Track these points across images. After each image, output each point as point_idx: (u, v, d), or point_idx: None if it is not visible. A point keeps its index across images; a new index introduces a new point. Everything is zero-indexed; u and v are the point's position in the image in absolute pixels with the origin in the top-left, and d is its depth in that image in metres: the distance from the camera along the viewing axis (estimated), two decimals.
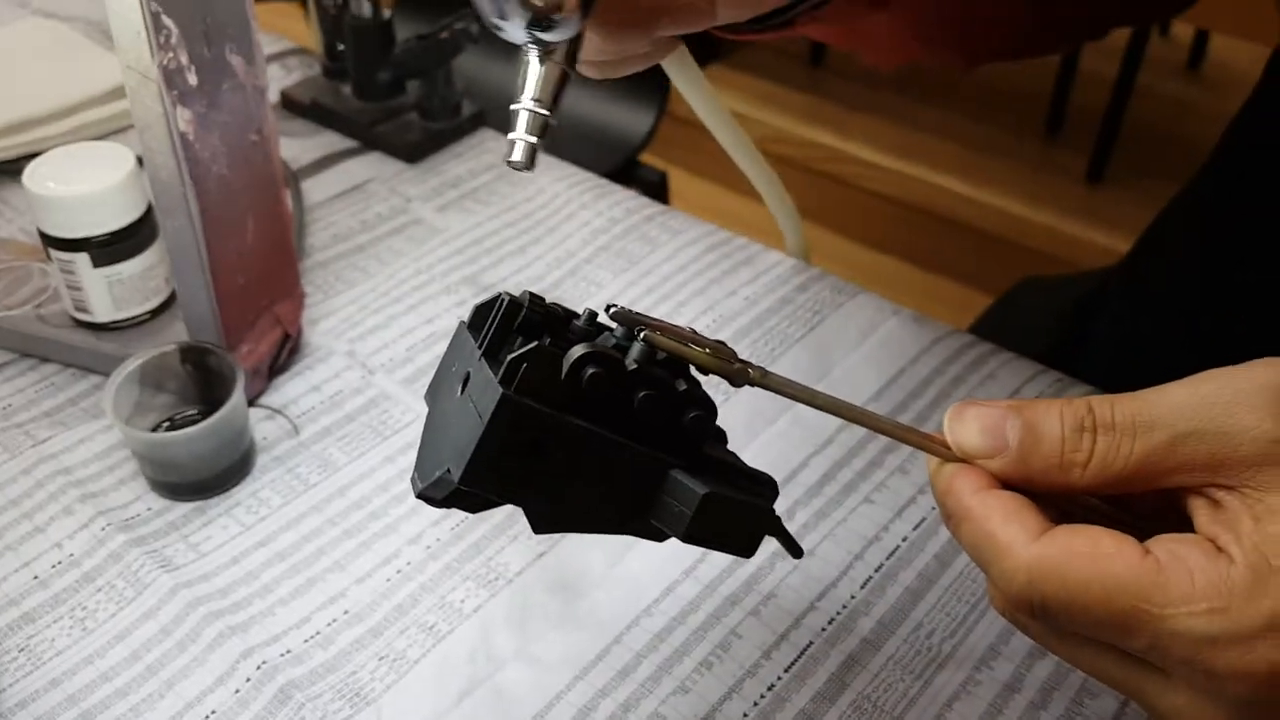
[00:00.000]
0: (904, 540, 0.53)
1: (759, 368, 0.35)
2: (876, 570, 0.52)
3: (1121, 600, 0.30)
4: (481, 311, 0.36)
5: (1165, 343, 0.69)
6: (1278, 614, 0.29)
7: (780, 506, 0.54)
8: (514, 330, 0.35)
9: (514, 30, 0.33)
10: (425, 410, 0.59)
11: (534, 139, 0.34)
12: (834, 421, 0.59)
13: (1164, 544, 0.31)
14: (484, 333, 0.35)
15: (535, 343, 0.32)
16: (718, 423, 0.36)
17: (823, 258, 0.72)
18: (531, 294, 0.35)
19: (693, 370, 0.35)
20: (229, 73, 0.54)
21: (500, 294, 0.35)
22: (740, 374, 0.35)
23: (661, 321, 0.34)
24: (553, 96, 0.34)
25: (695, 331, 0.35)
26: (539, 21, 0.32)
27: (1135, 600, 0.30)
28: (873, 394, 0.61)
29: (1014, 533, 0.32)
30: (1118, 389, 0.34)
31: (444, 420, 0.36)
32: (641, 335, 0.34)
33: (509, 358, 0.32)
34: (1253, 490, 0.31)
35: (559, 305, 0.36)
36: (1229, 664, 0.29)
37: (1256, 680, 0.29)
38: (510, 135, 0.34)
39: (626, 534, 0.36)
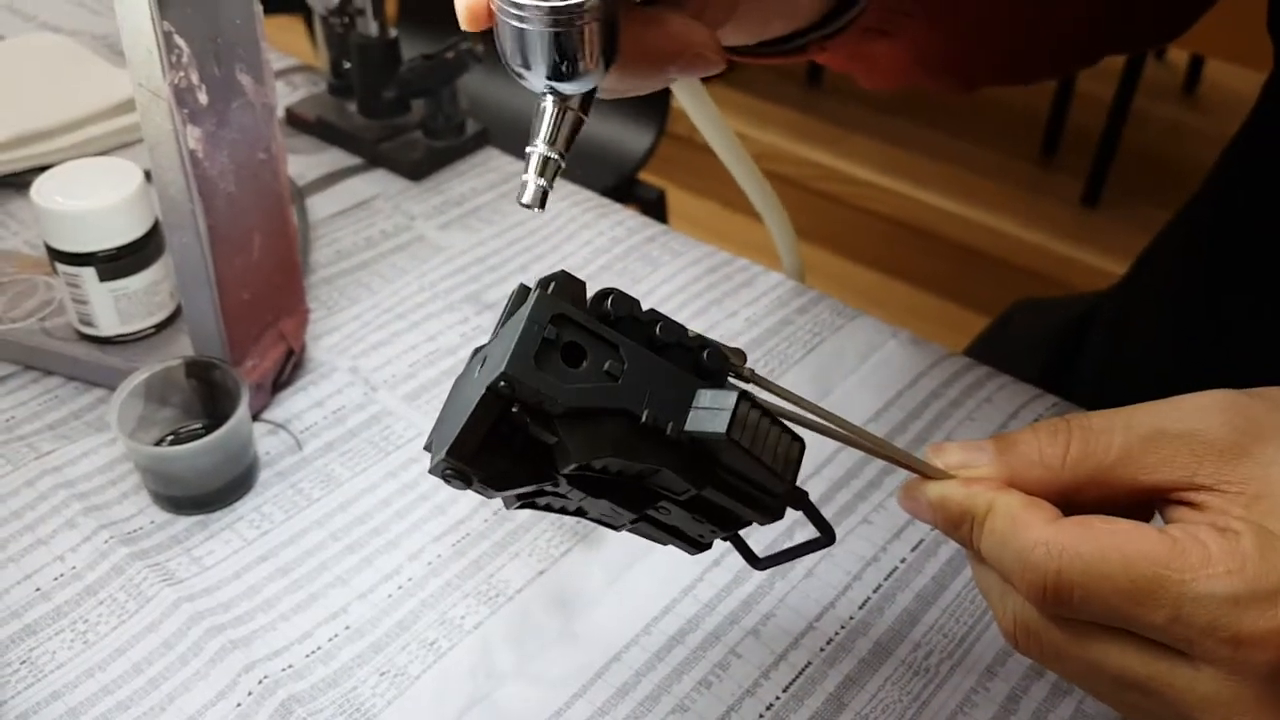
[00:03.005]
0: (902, 561, 0.54)
1: (750, 368, 0.37)
2: (874, 591, 0.53)
3: (1141, 567, 0.31)
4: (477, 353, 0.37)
5: (1157, 366, 0.70)
6: None
7: (781, 525, 0.55)
8: None
9: (535, 80, 0.34)
10: (427, 426, 0.60)
11: (545, 182, 0.35)
12: (833, 441, 0.60)
13: (1173, 525, 0.33)
14: (496, 326, 0.36)
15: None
16: None
17: (816, 275, 0.72)
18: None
19: None
20: (238, 91, 0.54)
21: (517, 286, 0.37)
22: (738, 353, 0.36)
23: None
24: (567, 142, 0.35)
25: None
26: (560, 74, 0.33)
27: (1155, 566, 0.31)
28: (871, 415, 0.62)
29: (1034, 515, 0.34)
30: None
31: (459, 404, 0.35)
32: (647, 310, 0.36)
33: (540, 279, 0.35)
34: (1230, 485, 0.33)
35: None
36: (1253, 625, 0.30)
37: None
38: (524, 177, 0.35)
39: (662, 464, 0.34)
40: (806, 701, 0.48)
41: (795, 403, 0.37)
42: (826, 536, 0.39)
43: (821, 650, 0.50)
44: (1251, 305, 0.63)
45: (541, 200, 0.35)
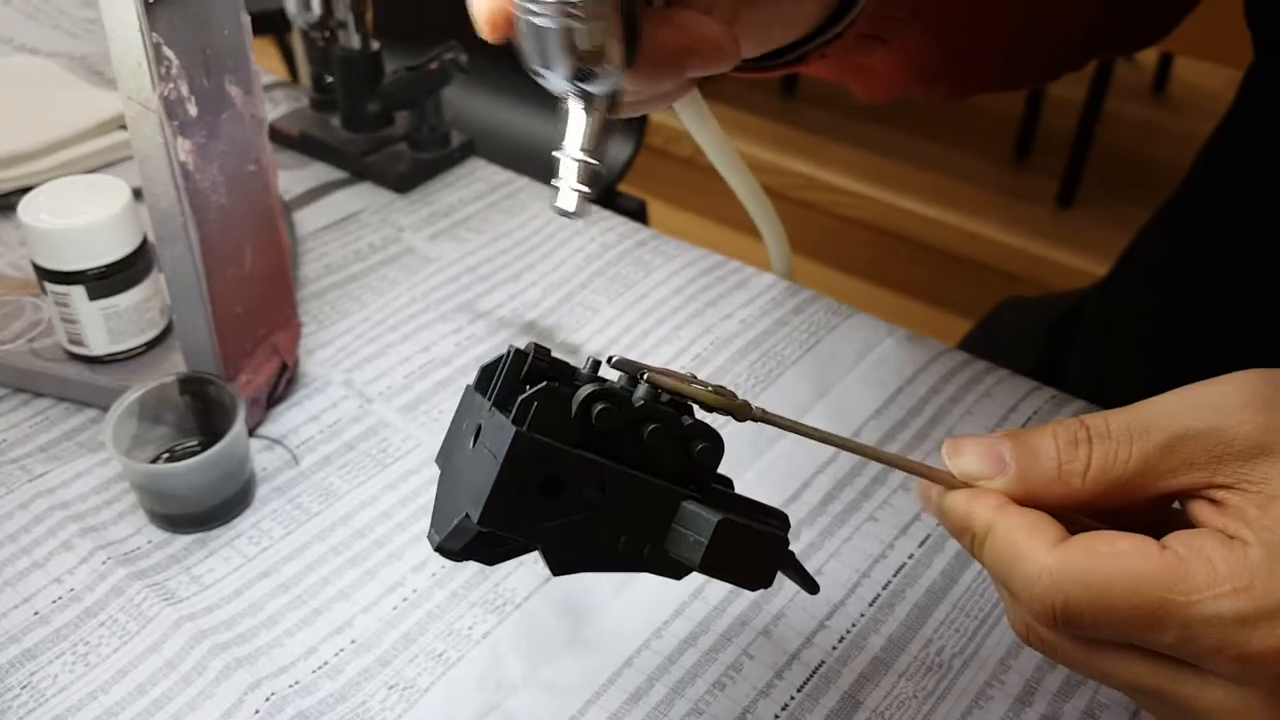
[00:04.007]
0: (910, 557, 0.54)
1: (760, 407, 0.36)
2: (884, 588, 0.52)
3: (1146, 592, 0.31)
4: (487, 372, 0.37)
5: (1142, 361, 0.70)
6: None
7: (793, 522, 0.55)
8: (521, 380, 0.35)
9: (556, 81, 0.33)
10: (425, 437, 0.59)
11: (584, 188, 0.34)
12: None
13: (1178, 538, 0.32)
14: (492, 385, 0.36)
15: (545, 383, 0.33)
16: (720, 467, 0.37)
17: (798, 282, 0.72)
18: (537, 345, 0.36)
19: (697, 411, 0.36)
20: (228, 103, 0.54)
21: (509, 347, 0.36)
22: (743, 409, 0.35)
23: (662, 368, 0.35)
24: (596, 145, 0.35)
25: (695, 376, 0.36)
26: (582, 73, 0.33)
27: (1160, 591, 0.30)
28: (871, 413, 0.62)
29: (1035, 541, 0.33)
30: (1097, 406, 0.35)
31: (457, 474, 0.36)
32: (645, 377, 0.35)
33: (520, 399, 0.33)
34: (1250, 484, 0.32)
35: (563, 361, 0.37)
36: (1261, 643, 0.30)
37: None
38: (558, 183, 0.35)
39: (645, 571, 0.36)
40: (822, 700, 0.48)
41: (807, 434, 0.37)
42: (810, 589, 0.40)
43: (834, 648, 0.50)
44: (1236, 302, 0.63)
45: (582, 206, 0.35)
